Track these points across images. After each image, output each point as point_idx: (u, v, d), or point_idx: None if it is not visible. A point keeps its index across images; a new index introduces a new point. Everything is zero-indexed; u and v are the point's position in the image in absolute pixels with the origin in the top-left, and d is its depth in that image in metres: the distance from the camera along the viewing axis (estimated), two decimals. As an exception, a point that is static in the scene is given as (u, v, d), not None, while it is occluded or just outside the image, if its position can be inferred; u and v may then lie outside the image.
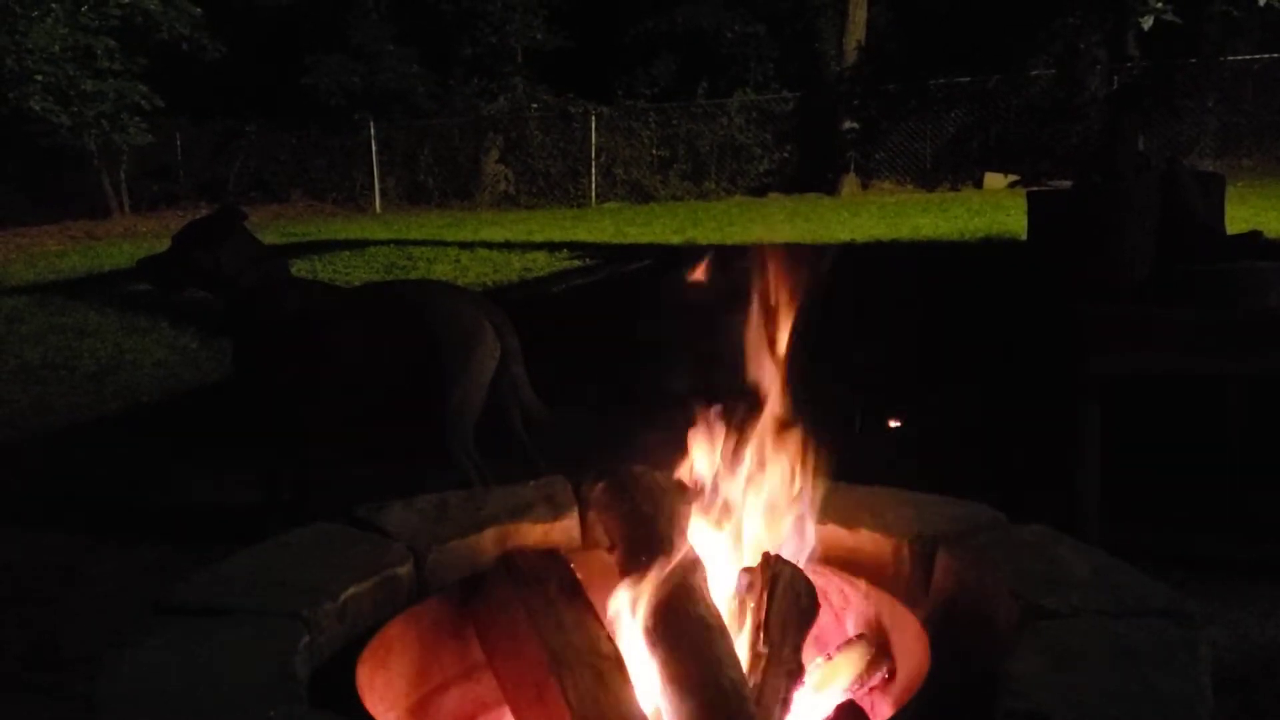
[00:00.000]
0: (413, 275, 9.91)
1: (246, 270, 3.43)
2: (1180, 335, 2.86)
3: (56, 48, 15.95)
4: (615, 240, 12.59)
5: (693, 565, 1.65)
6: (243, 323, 3.48)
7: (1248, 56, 15.82)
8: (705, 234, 12.56)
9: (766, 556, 1.66)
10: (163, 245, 3.60)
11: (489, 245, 11.98)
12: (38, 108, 15.99)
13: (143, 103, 17.27)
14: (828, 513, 1.90)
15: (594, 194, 19.31)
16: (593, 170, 19.47)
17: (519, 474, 2.36)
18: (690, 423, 1.87)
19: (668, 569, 1.61)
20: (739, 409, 1.86)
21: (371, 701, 1.52)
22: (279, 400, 3.51)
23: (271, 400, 3.53)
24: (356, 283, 8.58)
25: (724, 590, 1.68)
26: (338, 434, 3.71)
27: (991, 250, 9.56)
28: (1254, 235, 3.39)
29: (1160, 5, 14.63)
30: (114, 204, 19.47)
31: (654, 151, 19.65)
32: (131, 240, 15.16)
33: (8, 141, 17.70)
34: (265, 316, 3.42)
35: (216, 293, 3.48)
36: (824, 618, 1.70)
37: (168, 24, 17.37)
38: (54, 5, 15.93)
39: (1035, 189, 4.34)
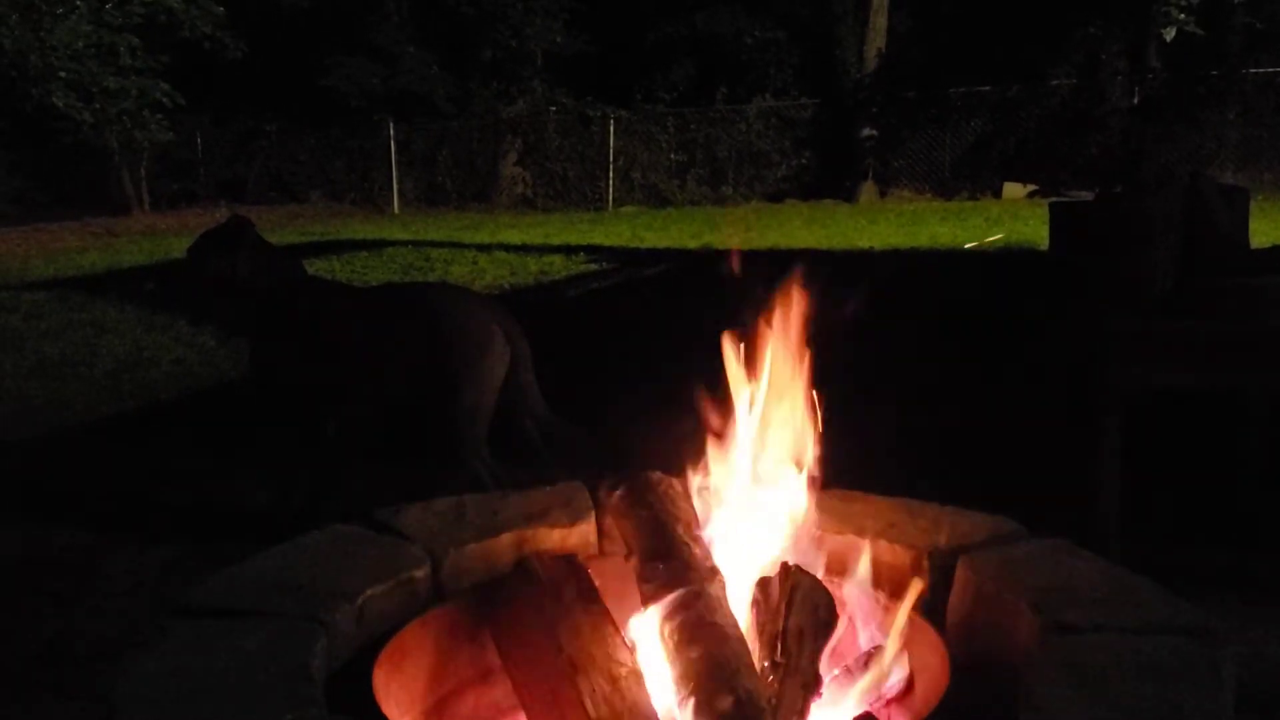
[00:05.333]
0: (430, 277, 9.94)
1: (262, 273, 3.45)
2: (1204, 349, 2.85)
3: (80, 45, 16.06)
4: (632, 244, 12.60)
5: (711, 574, 1.64)
6: (259, 323, 3.49)
7: (1270, 69, 15.72)
8: (722, 239, 12.57)
9: (785, 566, 1.65)
10: (182, 243, 3.62)
11: (506, 248, 12.01)
12: (60, 104, 16.10)
13: (164, 101, 17.36)
14: (845, 523, 1.90)
15: (611, 198, 19.32)
16: (610, 174, 19.49)
17: (531, 478, 2.35)
18: (702, 429, 1.87)
19: (685, 577, 1.60)
20: (757, 414, 1.85)
21: (388, 705, 1.52)
22: (294, 400, 3.53)
23: (287, 400, 3.54)
24: (374, 283, 8.61)
25: (742, 599, 1.68)
26: (352, 435, 3.71)
27: (1010, 260, 9.53)
28: (1279, 250, 3.37)
29: (1183, 16, 14.59)
30: (134, 201, 19.61)
31: (672, 156, 19.67)
32: (151, 238, 15.25)
33: (30, 137, 17.82)
34: (281, 317, 3.43)
35: (234, 298, 3.49)
36: (842, 629, 1.69)
37: (190, 22, 17.46)
38: (78, 3, 16.04)
39: (1056, 199, 4.32)
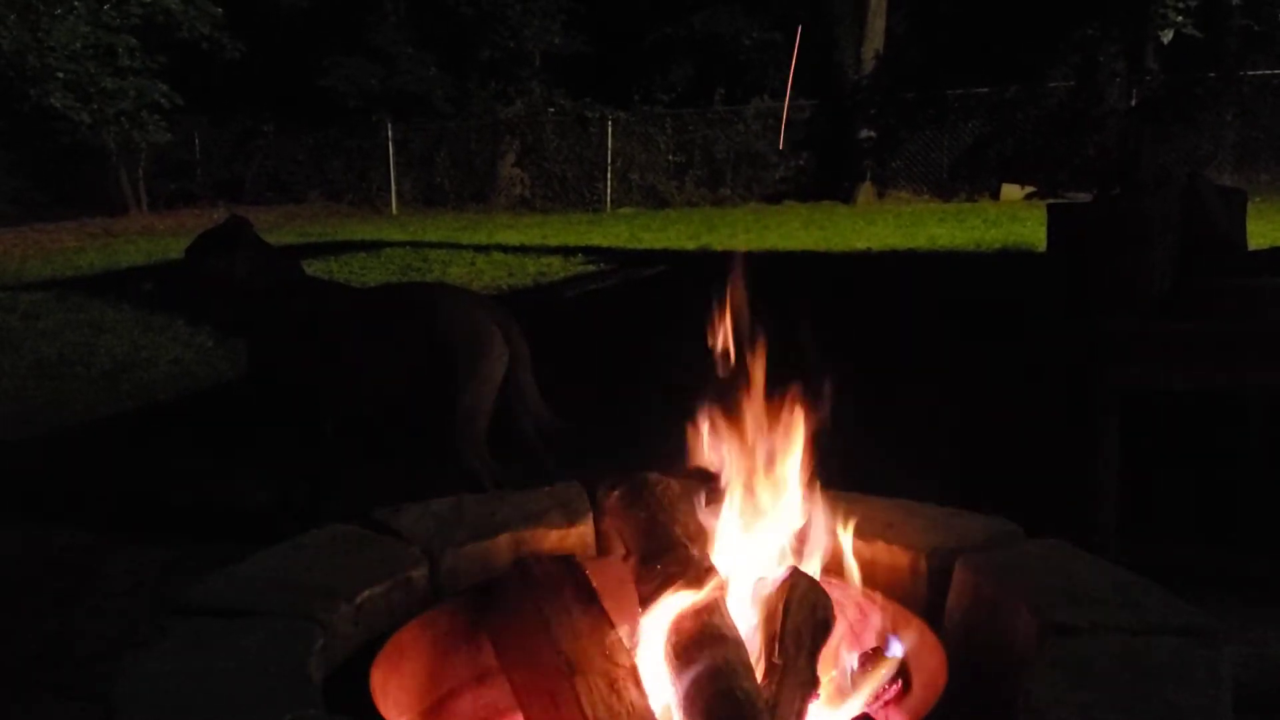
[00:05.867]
0: (428, 277, 9.93)
1: (259, 274, 3.45)
2: (1202, 349, 2.85)
3: (78, 45, 16.06)
4: (630, 245, 12.60)
5: (708, 574, 1.64)
6: (257, 324, 3.49)
7: (1267, 71, 15.73)
8: (720, 240, 12.56)
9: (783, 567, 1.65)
10: (179, 244, 3.62)
11: (504, 248, 12.00)
12: (58, 105, 16.10)
13: (162, 101, 17.37)
14: (844, 524, 1.89)
15: (609, 199, 19.32)
16: (608, 175, 19.48)
17: (529, 478, 2.35)
18: (701, 429, 1.87)
19: (683, 578, 1.60)
20: (756, 417, 1.85)
21: (385, 705, 1.52)
22: (293, 400, 3.53)
23: (286, 400, 3.54)
24: (371, 284, 8.61)
25: (740, 600, 1.68)
26: (352, 435, 3.72)
27: (1008, 261, 9.53)
28: (1277, 252, 3.37)
29: (1180, 18, 14.60)
30: (131, 202, 19.59)
31: (670, 157, 19.65)
32: (148, 238, 15.24)
33: (28, 138, 17.82)
34: (279, 317, 3.43)
35: (232, 299, 3.49)
36: (840, 630, 1.69)
37: (188, 23, 17.46)
38: (76, 3, 16.04)
39: (1054, 200, 4.34)
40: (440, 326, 3.31)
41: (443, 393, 3.30)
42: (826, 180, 18.24)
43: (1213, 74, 15.82)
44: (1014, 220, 12.63)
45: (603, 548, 1.98)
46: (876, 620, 1.74)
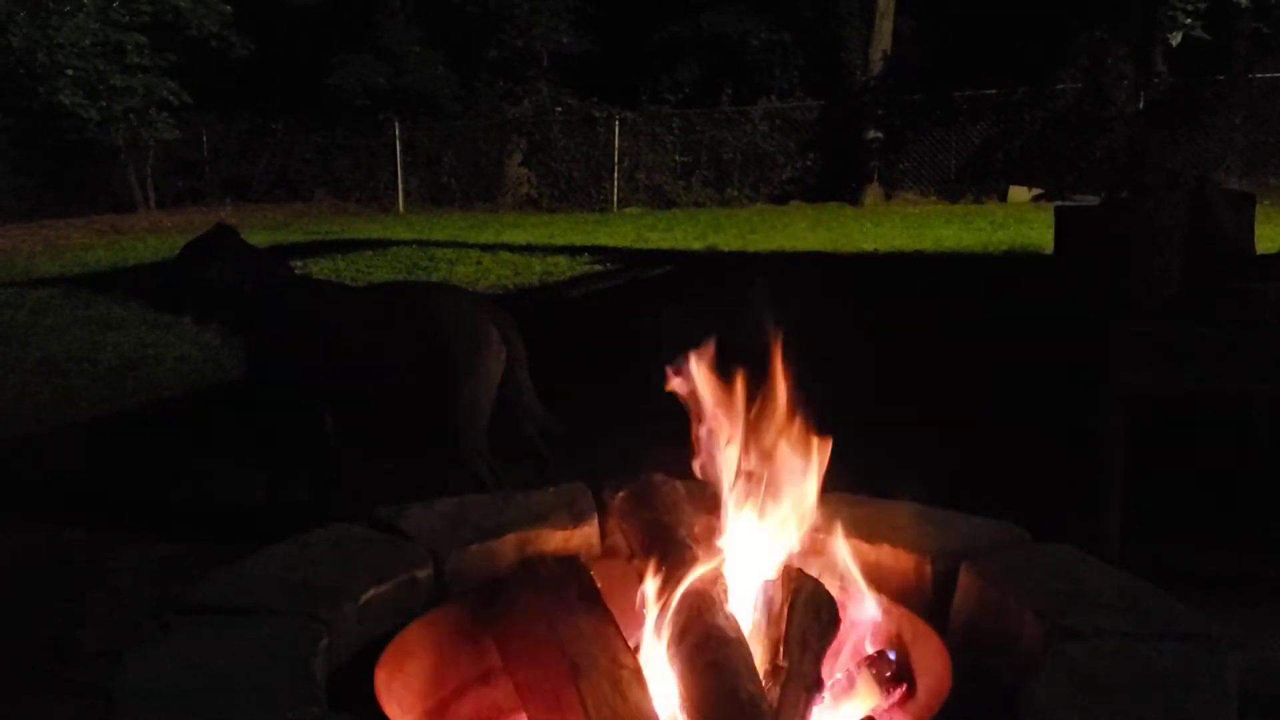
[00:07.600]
0: (435, 276, 9.94)
1: (248, 277, 3.47)
2: (1209, 353, 2.84)
3: (87, 43, 16.11)
4: (636, 245, 12.60)
5: (713, 577, 1.64)
6: (253, 326, 3.50)
7: (1277, 74, 15.69)
8: (727, 241, 12.56)
9: (788, 569, 1.65)
10: (184, 241, 3.65)
11: (510, 248, 12.01)
12: (67, 102, 16.14)
13: (171, 99, 17.42)
14: (850, 526, 1.89)
15: (616, 198, 19.32)
16: (615, 175, 19.48)
17: (532, 477, 2.35)
18: (702, 429, 1.86)
19: (687, 580, 1.60)
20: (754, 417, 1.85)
21: (389, 704, 1.52)
22: (289, 398, 3.54)
23: (282, 398, 3.55)
24: (377, 282, 8.61)
25: (744, 602, 1.67)
26: (353, 433, 3.72)
27: (1015, 263, 9.52)
28: (1284, 255, 3.36)
29: (1189, 21, 14.57)
30: (140, 199, 19.62)
31: (677, 157, 19.65)
32: (156, 235, 15.27)
33: (36, 134, 17.85)
34: (272, 317, 3.45)
35: (222, 304, 3.50)
36: (844, 632, 1.69)
37: (197, 21, 17.51)
38: (85, 1, 16.07)
39: (1062, 203, 4.33)
40: (437, 326, 3.32)
41: (442, 390, 3.31)
42: (833, 181, 18.23)
43: (1221, 77, 15.80)
44: (1021, 222, 12.62)
45: (607, 549, 1.98)
46: (881, 623, 1.74)
